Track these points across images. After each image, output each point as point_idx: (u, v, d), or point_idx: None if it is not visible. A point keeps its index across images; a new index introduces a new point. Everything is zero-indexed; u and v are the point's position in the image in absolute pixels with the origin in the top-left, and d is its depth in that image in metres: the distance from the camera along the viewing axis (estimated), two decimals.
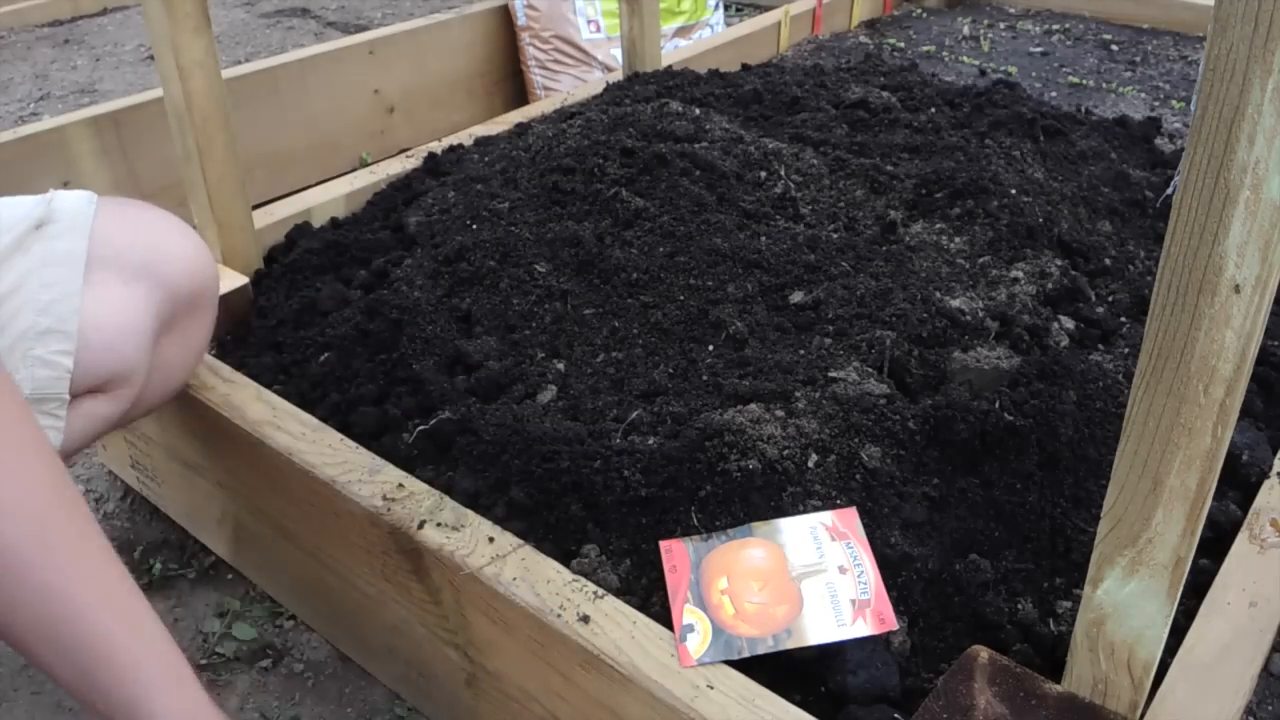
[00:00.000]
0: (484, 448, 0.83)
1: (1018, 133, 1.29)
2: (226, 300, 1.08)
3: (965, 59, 2.21)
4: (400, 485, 0.80)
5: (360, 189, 1.32)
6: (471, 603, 0.74)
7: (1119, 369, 0.91)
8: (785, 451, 0.78)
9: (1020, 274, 1.03)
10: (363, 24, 2.78)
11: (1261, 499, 0.81)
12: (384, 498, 0.78)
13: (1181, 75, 2.07)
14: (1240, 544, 0.77)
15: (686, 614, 0.68)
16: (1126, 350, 0.96)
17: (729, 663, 0.65)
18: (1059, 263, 1.05)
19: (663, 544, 0.74)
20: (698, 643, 0.66)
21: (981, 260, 1.06)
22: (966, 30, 2.40)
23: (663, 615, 0.70)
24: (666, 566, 0.72)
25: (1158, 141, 1.43)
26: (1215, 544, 0.78)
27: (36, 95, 2.28)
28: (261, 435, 0.86)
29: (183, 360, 0.86)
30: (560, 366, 0.93)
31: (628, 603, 0.70)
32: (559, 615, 0.68)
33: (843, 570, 0.70)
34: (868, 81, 1.49)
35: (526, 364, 0.93)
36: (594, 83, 1.69)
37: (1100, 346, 0.98)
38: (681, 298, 0.99)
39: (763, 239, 1.06)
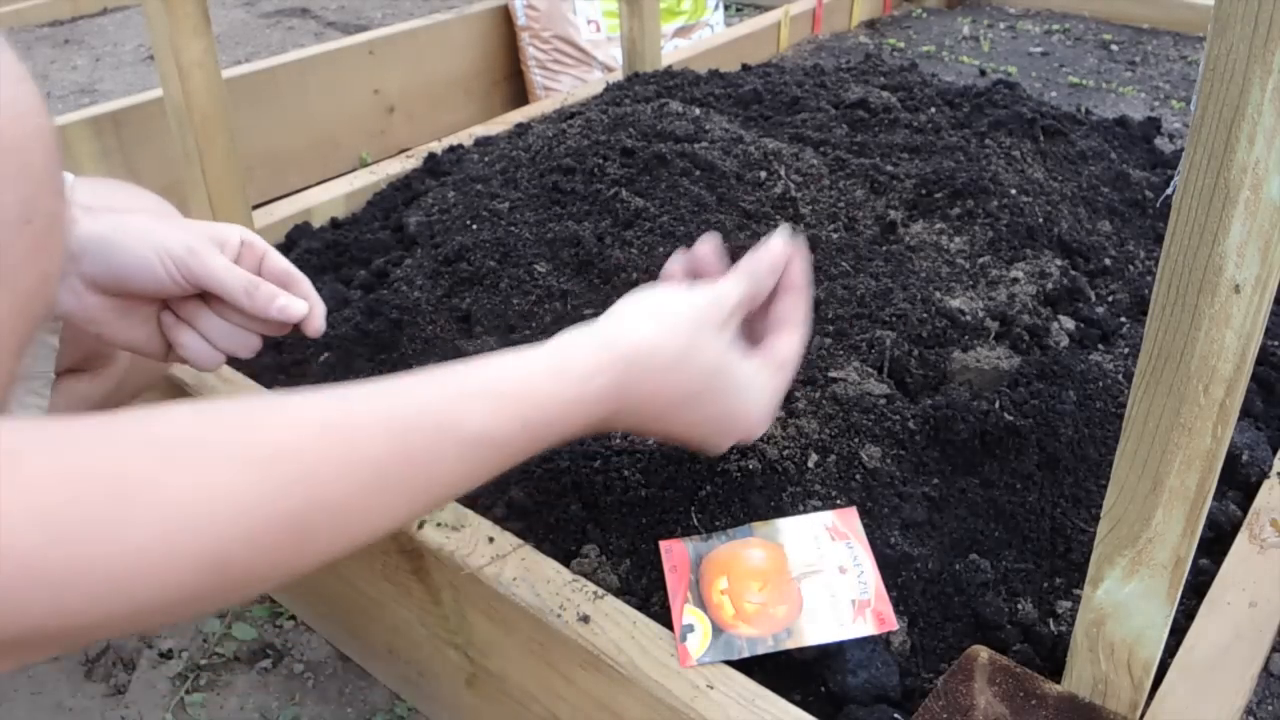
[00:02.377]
0: None
1: (1018, 133, 1.29)
2: None
3: (965, 59, 2.21)
4: None
5: (360, 189, 1.32)
6: (471, 603, 0.74)
7: (1119, 369, 0.91)
8: (785, 451, 0.78)
9: (1020, 274, 1.03)
10: (363, 24, 2.78)
11: (1261, 499, 0.81)
12: None
13: (1181, 75, 2.07)
14: (1240, 544, 0.77)
15: (686, 614, 0.68)
16: (1126, 350, 0.96)
17: (729, 663, 0.65)
18: (1059, 263, 1.05)
19: (663, 544, 0.74)
20: (698, 643, 0.66)
21: (981, 260, 1.06)
22: (966, 30, 2.40)
23: (663, 615, 0.70)
24: (666, 566, 0.72)
25: (1158, 141, 1.43)
26: (1215, 544, 0.78)
27: None
28: None
29: None
30: None
31: (628, 603, 0.70)
32: (559, 615, 0.68)
33: (843, 570, 0.70)
34: (868, 81, 1.49)
35: None
36: (594, 83, 1.69)
37: (1100, 346, 0.98)
38: None
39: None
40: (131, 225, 0.66)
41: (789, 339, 0.71)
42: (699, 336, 0.64)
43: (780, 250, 0.71)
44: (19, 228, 0.43)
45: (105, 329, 0.68)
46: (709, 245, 0.73)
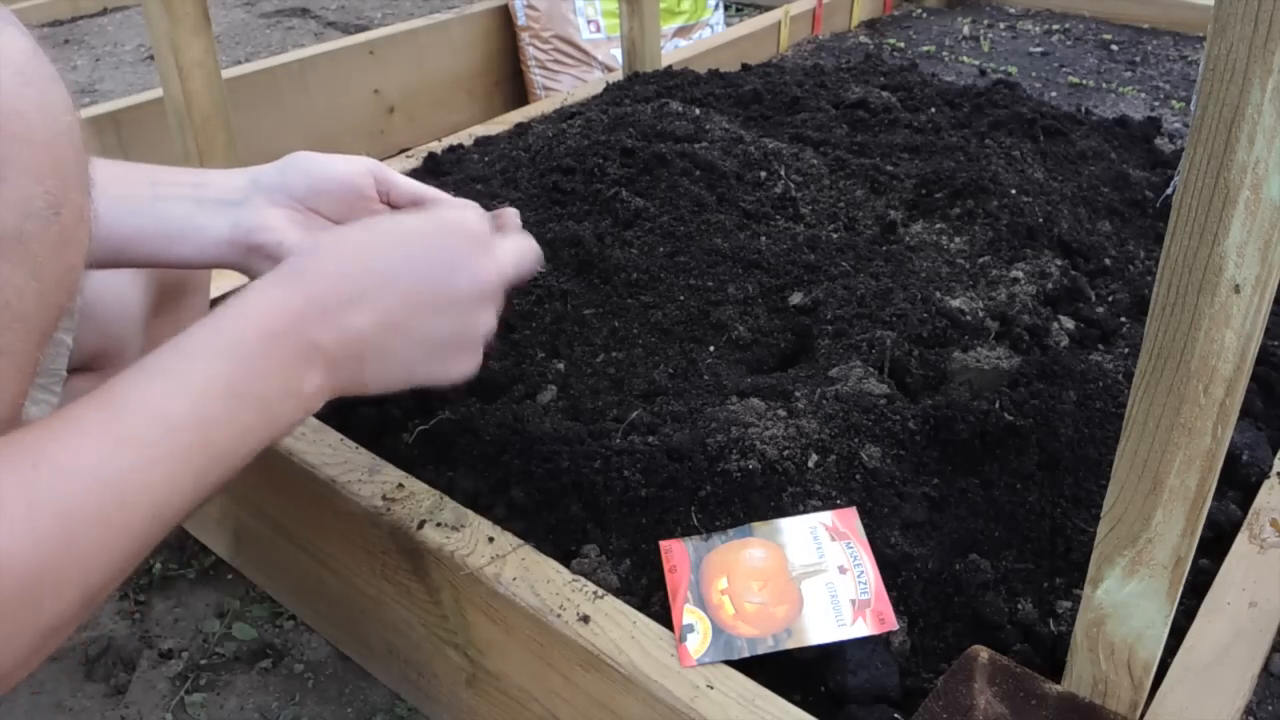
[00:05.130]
0: (484, 448, 0.83)
1: (1018, 133, 1.29)
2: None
3: (965, 59, 2.21)
4: (400, 485, 0.80)
5: None
6: (471, 603, 0.74)
7: (1119, 369, 0.90)
8: (785, 451, 0.78)
9: (1020, 274, 1.03)
10: (363, 24, 2.78)
11: (1261, 499, 0.81)
12: (384, 498, 0.78)
13: (1181, 75, 2.07)
14: (1240, 544, 0.77)
15: (686, 614, 0.68)
16: (1126, 350, 0.96)
17: (729, 663, 0.65)
18: (1059, 263, 1.05)
19: (663, 544, 0.74)
20: (698, 643, 0.66)
21: (981, 260, 1.06)
22: (966, 30, 2.40)
23: (663, 615, 0.70)
24: (666, 566, 0.72)
25: (1158, 141, 1.43)
26: (1215, 544, 0.78)
27: None
28: None
29: None
30: (560, 366, 0.93)
31: (628, 603, 0.70)
32: (559, 615, 0.68)
33: (843, 570, 0.70)
34: (868, 81, 1.49)
35: (526, 364, 0.93)
36: (594, 83, 1.69)
37: (1100, 346, 0.98)
38: (682, 298, 0.99)
39: (763, 239, 1.06)
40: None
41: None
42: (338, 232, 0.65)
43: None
44: (48, 219, 0.44)
45: (287, 237, 0.70)
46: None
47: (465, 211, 0.67)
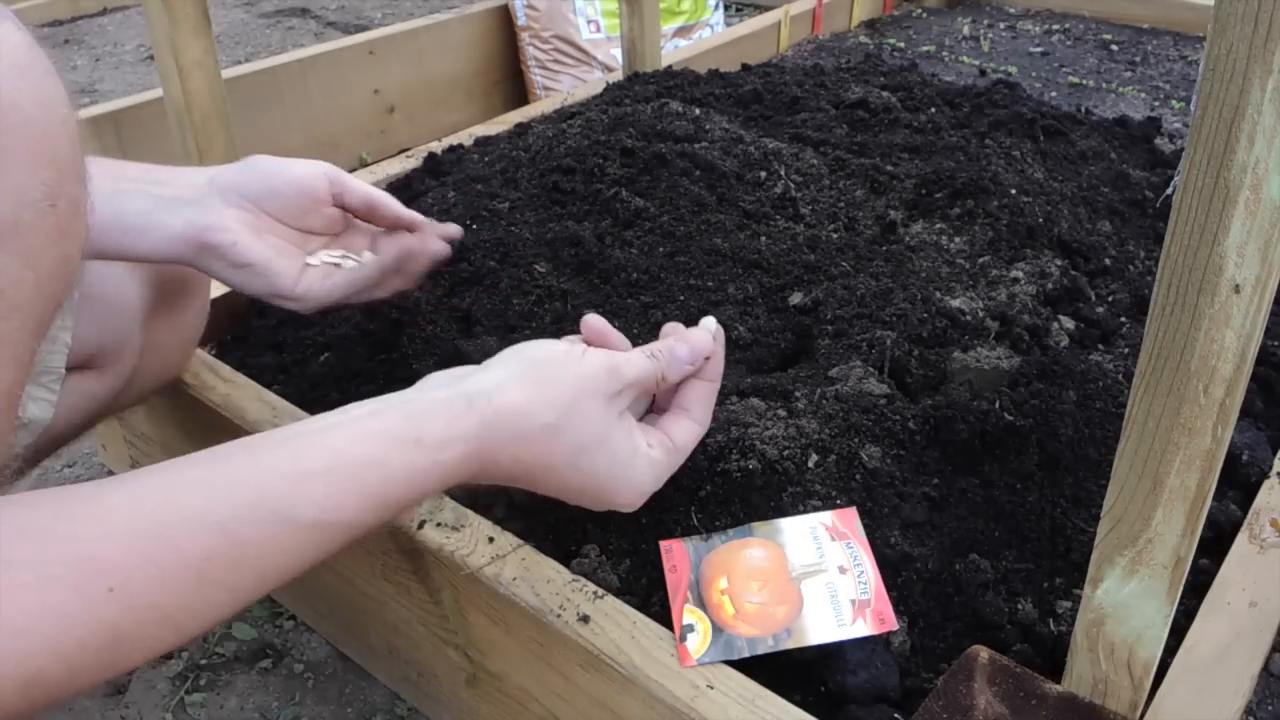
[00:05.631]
0: None
1: (1018, 133, 1.29)
2: (227, 300, 1.08)
3: (965, 59, 2.21)
4: None
5: None
6: (471, 603, 0.74)
7: (1119, 369, 0.91)
8: (785, 451, 0.78)
9: (1020, 274, 1.03)
10: (363, 24, 2.78)
11: (1261, 499, 0.81)
12: None
13: (1181, 75, 2.07)
14: (1240, 544, 0.77)
15: (686, 614, 0.68)
16: (1126, 350, 0.96)
17: (729, 663, 0.65)
18: (1059, 263, 1.05)
19: (663, 544, 0.74)
20: (698, 643, 0.66)
21: (981, 260, 1.06)
22: (966, 30, 2.40)
23: (663, 615, 0.70)
24: (666, 566, 0.72)
25: (1158, 141, 1.43)
26: (1215, 544, 0.78)
27: None
28: None
29: (175, 343, 0.86)
30: None
31: (628, 603, 0.70)
32: (559, 615, 0.68)
33: (843, 570, 0.70)
34: (868, 81, 1.49)
35: None
36: (594, 83, 1.69)
37: (1100, 346, 0.98)
38: (682, 298, 0.99)
39: (763, 239, 1.06)
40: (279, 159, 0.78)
41: (686, 428, 0.69)
42: (582, 405, 0.61)
43: (703, 343, 0.69)
44: (44, 211, 0.45)
45: (240, 238, 0.72)
46: (597, 321, 0.68)
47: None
